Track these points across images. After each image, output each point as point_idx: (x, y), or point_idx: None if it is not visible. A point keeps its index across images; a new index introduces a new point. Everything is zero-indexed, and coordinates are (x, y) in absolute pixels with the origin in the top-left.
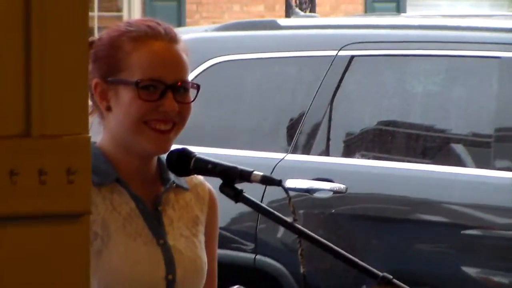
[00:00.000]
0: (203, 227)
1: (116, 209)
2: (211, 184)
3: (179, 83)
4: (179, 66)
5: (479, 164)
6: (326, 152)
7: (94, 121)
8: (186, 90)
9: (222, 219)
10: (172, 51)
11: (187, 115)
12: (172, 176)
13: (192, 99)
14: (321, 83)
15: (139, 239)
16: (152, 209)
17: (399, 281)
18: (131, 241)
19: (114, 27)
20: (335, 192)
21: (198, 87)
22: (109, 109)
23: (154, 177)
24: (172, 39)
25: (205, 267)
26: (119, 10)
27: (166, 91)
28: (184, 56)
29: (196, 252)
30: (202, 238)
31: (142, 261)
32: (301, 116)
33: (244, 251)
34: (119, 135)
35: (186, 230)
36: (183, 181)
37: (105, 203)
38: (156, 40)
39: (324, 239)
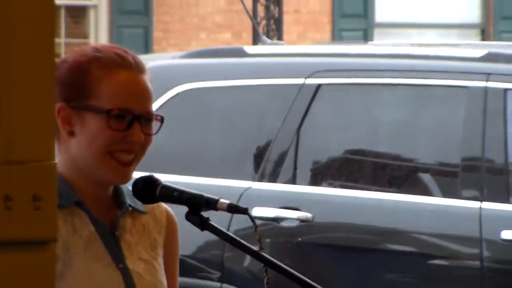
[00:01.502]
0: (162, 250)
1: (77, 232)
2: (177, 212)
3: (145, 114)
4: (146, 97)
5: (446, 194)
6: (293, 181)
7: None
8: (150, 121)
9: (188, 247)
10: (140, 81)
11: (148, 146)
12: (128, 200)
13: (155, 131)
14: (288, 111)
15: (100, 262)
16: (110, 234)
17: None
18: (92, 264)
19: (80, 51)
20: (301, 220)
21: (162, 119)
22: (72, 134)
23: (110, 200)
24: (140, 69)
25: None
26: (86, 36)
27: (133, 121)
28: (150, 86)
29: (157, 276)
30: (161, 261)
31: (103, 285)
32: (268, 144)
33: (211, 279)
34: (81, 162)
35: (145, 254)
36: (139, 204)
37: (66, 225)
38: (125, 69)
39: (291, 268)
